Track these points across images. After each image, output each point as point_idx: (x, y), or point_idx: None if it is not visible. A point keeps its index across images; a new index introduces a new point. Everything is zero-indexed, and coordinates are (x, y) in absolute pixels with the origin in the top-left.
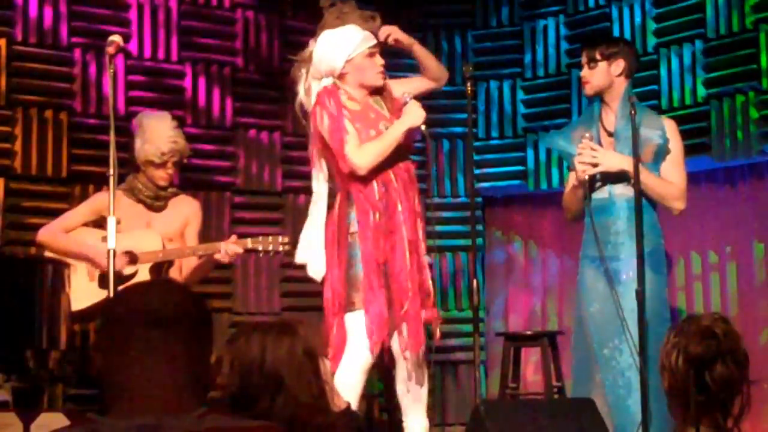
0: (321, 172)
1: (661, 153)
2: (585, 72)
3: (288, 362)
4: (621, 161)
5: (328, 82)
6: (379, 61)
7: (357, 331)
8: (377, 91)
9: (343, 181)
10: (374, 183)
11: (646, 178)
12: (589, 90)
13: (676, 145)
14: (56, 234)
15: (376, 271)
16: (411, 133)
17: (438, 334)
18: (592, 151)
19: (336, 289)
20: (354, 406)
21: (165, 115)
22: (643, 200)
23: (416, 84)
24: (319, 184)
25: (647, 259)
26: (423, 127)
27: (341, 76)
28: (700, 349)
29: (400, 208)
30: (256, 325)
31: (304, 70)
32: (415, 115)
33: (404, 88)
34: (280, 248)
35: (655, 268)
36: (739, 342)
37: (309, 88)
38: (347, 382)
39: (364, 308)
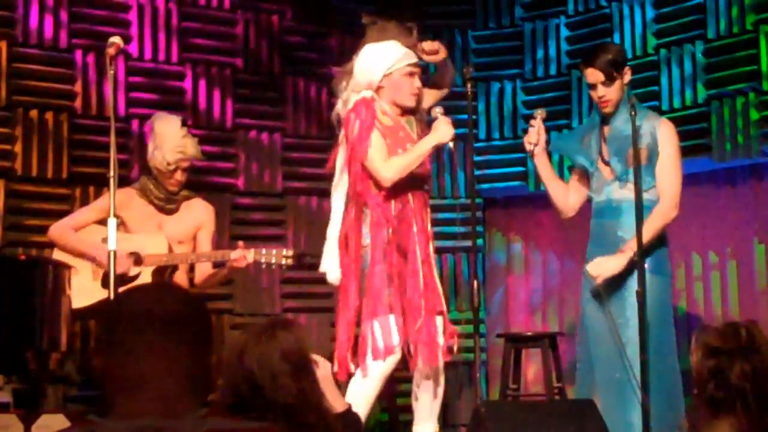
0: (341, 182)
1: (653, 155)
2: (603, 91)
3: (259, 366)
4: (615, 264)
5: (366, 95)
6: (417, 83)
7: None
8: (410, 112)
9: (361, 194)
10: (392, 200)
11: (645, 233)
12: (611, 108)
13: (670, 148)
14: (65, 231)
15: (385, 282)
16: (431, 158)
17: (456, 349)
18: (534, 130)
19: (353, 300)
20: (366, 413)
21: (175, 121)
22: (644, 202)
23: (432, 95)
24: (338, 195)
25: (648, 261)
26: (450, 144)
27: (378, 90)
28: (720, 342)
29: (415, 228)
30: (248, 327)
31: (345, 83)
32: (443, 132)
33: (427, 98)
34: (283, 261)
35: (656, 270)
36: (763, 342)
37: (347, 100)
38: (361, 390)
39: (371, 319)
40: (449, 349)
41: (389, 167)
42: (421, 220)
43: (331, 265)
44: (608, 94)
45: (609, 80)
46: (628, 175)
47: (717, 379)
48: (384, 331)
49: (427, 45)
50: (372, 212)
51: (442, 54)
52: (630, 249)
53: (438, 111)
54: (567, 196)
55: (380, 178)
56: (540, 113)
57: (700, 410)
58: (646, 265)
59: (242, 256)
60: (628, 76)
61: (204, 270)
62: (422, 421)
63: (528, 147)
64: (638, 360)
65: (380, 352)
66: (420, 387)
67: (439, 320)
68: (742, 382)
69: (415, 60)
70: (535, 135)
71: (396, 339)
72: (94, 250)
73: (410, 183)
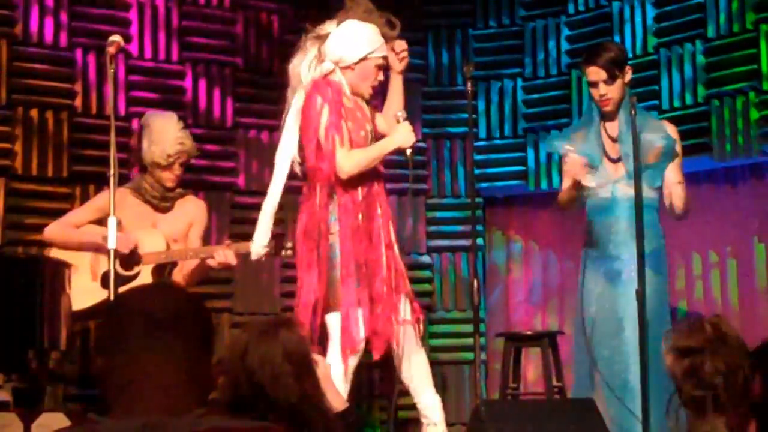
0: (292, 154)
1: (668, 155)
2: (605, 89)
3: (261, 366)
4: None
5: (328, 66)
6: (381, 77)
7: (338, 330)
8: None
9: (326, 179)
10: (359, 184)
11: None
12: (612, 107)
13: (680, 149)
14: (65, 229)
15: (356, 271)
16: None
17: (420, 329)
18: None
19: (316, 289)
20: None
21: (171, 116)
22: (644, 200)
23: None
24: (282, 160)
25: (648, 260)
26: (408, 151)
27: (345, 69)
28: (688, 341)
29: (379, 211)
30: (249, 325)
31: (314, 46)
32: (405, 138)
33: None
34: (282, 252)
35: (655, 269)
36: (731, 334)
37: (311, 64)
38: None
39: (340, 309)
40: (418, 328)
41: (350, 160)
42: (384, 203)
43: (260, 240)
44: (610, 92)
45: (611, 79)
46: (643, 173)
47: (693, 379)
48: (353, 325)
49: (399, 45)
50: (339, 198)
51: (403, 62)
52: None
53: (400, 115)
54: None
55: (338, 169)
56: (569, 148)
57: (687, 411)
58: (652, 264)
59: (217, 262)
60: (629, 75)
61: (189, 265)
62: (423, 392)
63: (590, 184)
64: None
65: (349, 346)
66: (402, 369)
67: (403, 302)
68: (716, 377)
69: (386, 53)
70: (580, 168)
71: (362, 333)
72: (97, 237)
73: (373, 167)
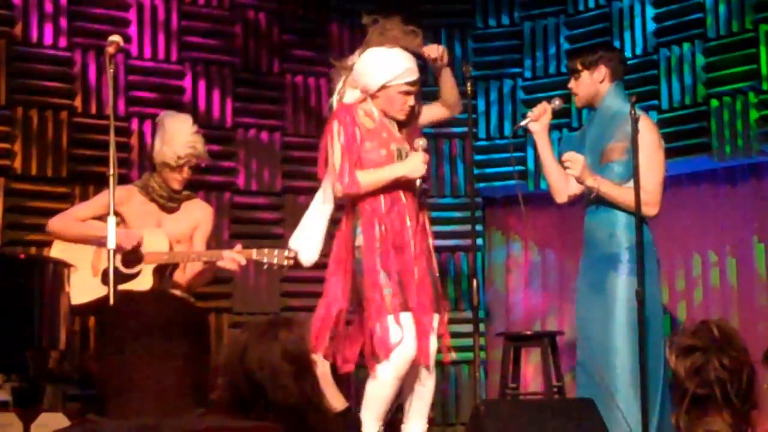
0: (329, 175)
1: (630, 149)
2: (571, 83)
3: (260, 366)
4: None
5: (359, 94)
6: (411, 101)
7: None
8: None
9: (346, 197)
10: (381, 197)
11: (609, 190)
12: (578, 102)
13: (648, 143)
14: (69, 222)
15: (380, 282)
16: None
17: (452, 354)
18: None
19: (340, 301)
20: (379, 413)
21: (186, 118)
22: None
23: (435, 111)
24: (325, 182)
25: (628, 255)
26: (418, 182)
27: (372, 96)
28: (693, 341)
29: (409, 223)
30: (248, 325)
31: (343, 77)
32: (414, 168)
33: (425, 113)
34: (285, 262)
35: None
36: (735, 336)
37: (343, 94)
38: (372, 391)
39: (373, 321)
40: (441, 352)
41: (353, 181)
42: (416, 215)
43: (303, 243)
44: (574, 87)
45: (572, 73)
46: (599, 172)
47: (696, 377)
48: (383, 333)
49: (431, 51)
50: (362, 213)
51: (443, 62)
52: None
53: (421, 144)
54: (565, 180)
55: (342, 188)
56: (557, 101)
57: (688, 412)
58: (626, 268)
59: (231, 259)
60: (600, 74)
61: (194, 268)
62: (414, 419)
63: (524, 121)
64: (625, 367)
65: (380, 355)
66: (416, 384)
67: (435, 319)
68: (722, 376)
69: (413, 78)
70: (540, 109)
71: (396, 339)
72: (102, 231)
73: (401, 182)
